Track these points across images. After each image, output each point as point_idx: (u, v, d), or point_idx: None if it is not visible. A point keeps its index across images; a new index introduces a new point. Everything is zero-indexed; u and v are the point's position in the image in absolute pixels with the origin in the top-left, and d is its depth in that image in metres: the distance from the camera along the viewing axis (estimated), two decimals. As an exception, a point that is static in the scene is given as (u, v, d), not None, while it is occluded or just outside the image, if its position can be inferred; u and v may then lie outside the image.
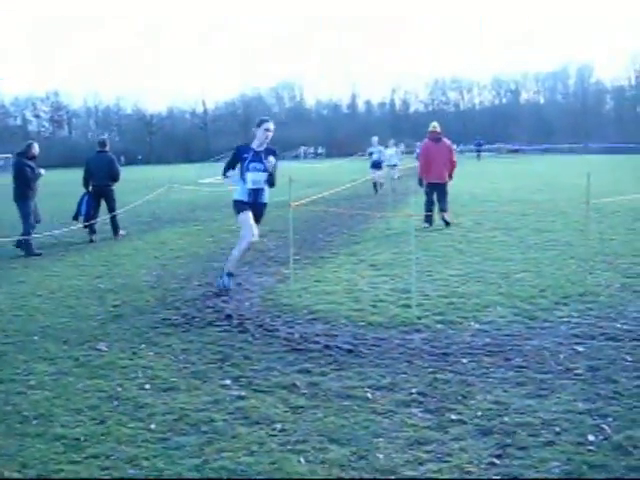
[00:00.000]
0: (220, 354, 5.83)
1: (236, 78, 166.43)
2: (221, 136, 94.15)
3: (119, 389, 5.08)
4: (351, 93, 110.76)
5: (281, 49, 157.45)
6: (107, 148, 14.33)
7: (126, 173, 26.60)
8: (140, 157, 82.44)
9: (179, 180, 17.13)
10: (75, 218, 13.78)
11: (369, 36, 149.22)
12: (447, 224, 13.58)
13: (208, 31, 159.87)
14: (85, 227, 13.68)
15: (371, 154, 24.41)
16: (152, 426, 4.37)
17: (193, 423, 4.41)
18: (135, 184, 21.75)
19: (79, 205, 13.86)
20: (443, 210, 13.73)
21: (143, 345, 6.17)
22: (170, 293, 8.34)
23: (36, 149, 12.78)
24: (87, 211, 13.73)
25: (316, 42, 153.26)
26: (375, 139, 24.61)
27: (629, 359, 5.39)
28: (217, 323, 6.85)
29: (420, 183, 15.25)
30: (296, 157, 67.78)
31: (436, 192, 13.82)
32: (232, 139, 76.97)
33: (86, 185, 14.11)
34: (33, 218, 12.62)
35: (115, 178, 14.05)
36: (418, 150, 26.26)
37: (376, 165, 23.84)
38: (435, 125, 14.00)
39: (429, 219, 13.48)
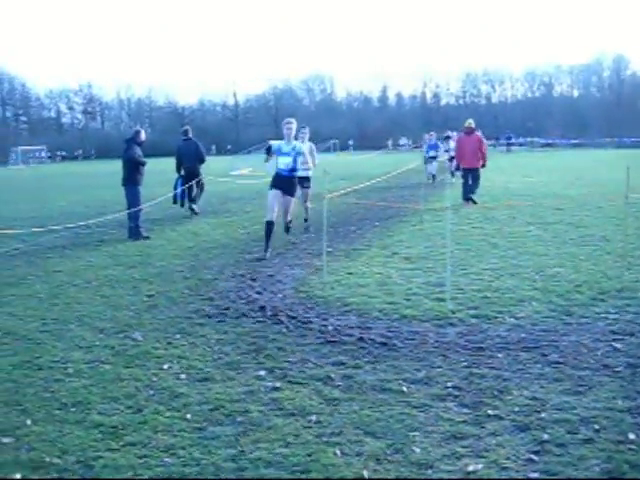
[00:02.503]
0: (254, 345, 5.85)
1: (267, 70, 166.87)
2: (252, 128, 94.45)
3: (155, 378, 5.12)
4: (382, 86, 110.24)
5: (312, 41, 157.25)
6: (190, 135, 16.18)
7: (161, 165, 26.82)
8: (229, 147, 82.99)
9: (211, 172, 17.18)
10: (175, 202, 15.89)
11: (400, 28, 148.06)
12: (474, 202, 16.28)
13: (238, 23, 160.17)
14: (182, 206, 15.91)
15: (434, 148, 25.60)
16: (188, 416, 4.41)
17: (228, 413, 4.43)
18: (167, 175, 21.90)
19: (175, 189, 15.80)
20: (472, 192, 16.68)
21: (178, 335, 6.22)
22: (204, 284, 8.39)
23: (144, 135, 13.36)
24: (182, 193, 15.74)
25: (347, 34, 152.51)
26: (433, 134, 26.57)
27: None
28: (251, 314, 6.87)
29: (457, 168, 18.75)
30: (327, 150, 67.62)
31: (470, 176, 16.73)
32: (263, 131, 77.22)
33: (178, 169, 15.99)
34: (141, 202, 12.88)
35: (202, 160, 16.05)
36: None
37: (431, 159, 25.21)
38: (470, 122, 16.97)
39: (466, 197, 16.58)
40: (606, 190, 18.46)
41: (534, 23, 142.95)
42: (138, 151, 12.82)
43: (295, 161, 10.31)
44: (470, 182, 16.79)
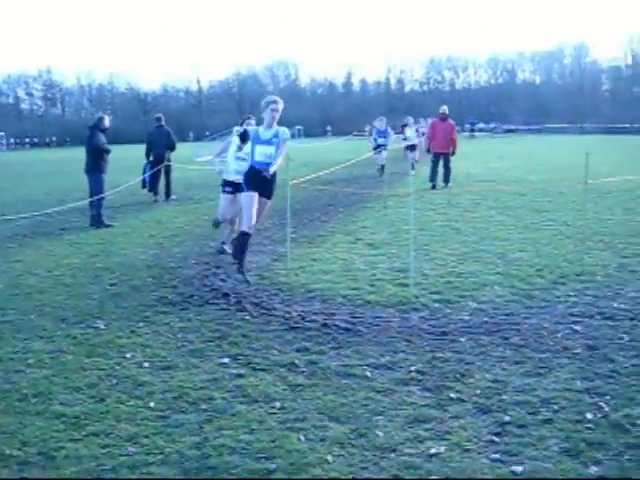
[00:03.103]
0: (218, 332, 5.84)
1: (231, 56, 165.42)
2: (216, 115, 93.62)
3: (117, 367, 5.08)
4: (346, 72, 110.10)
5: (275, 27, 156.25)
6: (163, 122, 16.78)
7: (123, 152, 26.47)
8: (191, 134, 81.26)
9: (174, 158, 17.04)
10: (143, 186, 16.19)
11: (364, 14, 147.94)
12: (447, 184, 17.35)
13: (202, 8, 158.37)
14: (150, 191, 16.30)
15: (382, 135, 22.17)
16: (151, 404, 4.38)
17: (192, 401, 4.42)
18: (129, 162, 21.58)
19: (144, 173, 16.10)
20: (446, 180, 17.50)
21: (141, 323, 6.17)
22: (167, 272, 8.33)
23: (108, 121, 13.20)
24: (150, 179, 16.10)
25: (311, 20, 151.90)
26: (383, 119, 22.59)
27: (626, 338, 5.43)
28: (215, 301, 6.85)
29: (428, 151, 18.56)
30: (292, 136, 67.38)
31: (441, 161, 17.38)
32: (227, 118, 76.54)
33: (148, 155, 16.54)
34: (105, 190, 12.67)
35: (172, 148, 16.70)
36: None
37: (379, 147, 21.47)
38: (445, 108, 17.76)
39: (433, 182, 17.29)
40: (567, 176, 18.72)
41: (497, 10, 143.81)
42: (102, 138, 12.62)
43: (277, 152, 7.87)
44: (441, 168, 17.47)
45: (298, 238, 10.22)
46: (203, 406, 4.34)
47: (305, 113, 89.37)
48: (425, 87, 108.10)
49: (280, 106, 7.94)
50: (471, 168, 23.15)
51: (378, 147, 21.27)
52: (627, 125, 64.66)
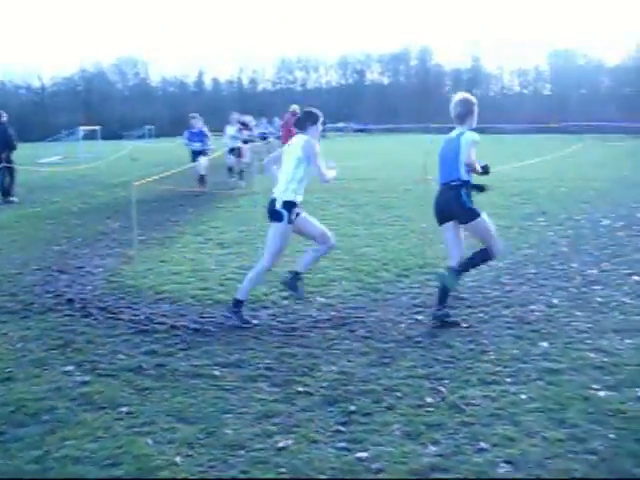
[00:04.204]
0: (61, 340, 5.61)
1: (76, 53, 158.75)
2: (62, 113, 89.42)
3: (-51, 382, 4.75)
4: (198, 71, 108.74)
5: (123, 23, 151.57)
6: (3, 120, 15.93)
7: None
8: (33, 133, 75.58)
9: (16, 159, 16.18)
10: None
11: (215, 12, 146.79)
12: None
13: (44, 1, 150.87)
14: None
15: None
16: (-14, 420, 4.14)
17: (33, 413, 4.22)
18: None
19: None
20: None
21: (-24, 335, 5.80)
22: (6, 278, 7.88)
23: None
24: None
25: (161, 16, 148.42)
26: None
27: (464, 324, 5.76)
28: (58, 308, 6.57)
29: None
30: (142, 136, 65.48)
31: None
32: (73, 116, 73.47)
33: None
34: None
35: (12, 147, 16.04)
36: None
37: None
38: (295, 107, 17.86)
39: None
40: (412, 173, 19.49)
41: (346, 12, 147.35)
42: None
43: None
44: None
45: (147, 240, 10.00)
46: (45, 417, 4.16)
47: (156, 112, 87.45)
48: (277, 87, 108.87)
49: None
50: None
51: (197, 154, 16.67)
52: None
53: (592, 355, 4.97)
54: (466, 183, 5.76)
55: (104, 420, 4.10)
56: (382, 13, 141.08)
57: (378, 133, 71.98)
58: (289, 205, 5.95)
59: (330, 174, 6.17)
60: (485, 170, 5.83)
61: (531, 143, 29.81)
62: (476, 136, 5.76)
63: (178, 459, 3.61)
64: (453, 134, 5.92)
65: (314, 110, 6.31)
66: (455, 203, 5.75)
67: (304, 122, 6.21)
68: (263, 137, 23.69)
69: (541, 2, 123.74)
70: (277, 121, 30.12)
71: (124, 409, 4.25)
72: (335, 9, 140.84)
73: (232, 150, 17.96)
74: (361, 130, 75.04)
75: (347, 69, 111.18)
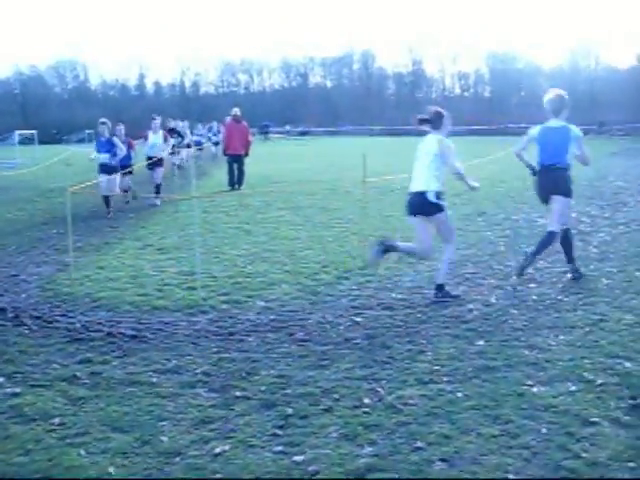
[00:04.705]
0: (-8, 351, 5.45)
1: (10, 55, 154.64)
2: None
3: None
4: (139, 74, 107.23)
5: (58, 24, 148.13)
6: None
7: None
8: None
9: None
10: None
11: (156, 14, 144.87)
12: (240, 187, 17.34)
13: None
14: None
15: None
16: None
17: (-43, 429, 4.08)
18: None
19: None
20: (240, 183, 17.55)
21: None
22: None
23: None
24: None
25: (98, 17, 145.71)
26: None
27: (402, 325, 5.82)
28: (-11, 318, 6.38)
29: (225, 153, 18.43)
30: (81, 141, 64.26)
31: (235, 163, 17.50)
32: (9, 121, 71.45)
33: None
34: None
35: None
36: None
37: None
38: (236, 110, 17.99)
39: (231, 184, 17.46)
40: (353, 175, 19.64)
41: (287, 16, 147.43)
42: None
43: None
44: (236, 172, 17.55)
45: (84, 246, 9.82)
46: (-29, 433, 4.03)
47: (96, 116, 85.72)
48: (220, 90, 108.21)
49: None
50: (264, 170, 23.52)
51: (106, 168, 13.49)
52: (409, 127, 68.88)
53: (526, 352, 5.08)
54: (569, 166, 7.00)
55: (35, 432, 4.00)
56: (325, 16, 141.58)
57: (323, 135, 72.14)
58: (440, 194, 6.63)
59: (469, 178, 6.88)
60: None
61: (471, 145, 30.35)
62: (581, 132, 7.07)
63: (112, 469, 3.55)
64: (554, 124, 7.05)
65: (443, 111, 6.82)
66: (561, 181, 6.97)
67: (437, 122, 6.72)
68: (198, 143, 23.41)
69: (480, 6, 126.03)
70: (216, 126, 29.89)
71: (56, 420, 4.15)
72: (277, 12, 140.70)
73: (150, 160, 15.27)
74: (305, 133, 75.16)
75: (290, 72, 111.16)
